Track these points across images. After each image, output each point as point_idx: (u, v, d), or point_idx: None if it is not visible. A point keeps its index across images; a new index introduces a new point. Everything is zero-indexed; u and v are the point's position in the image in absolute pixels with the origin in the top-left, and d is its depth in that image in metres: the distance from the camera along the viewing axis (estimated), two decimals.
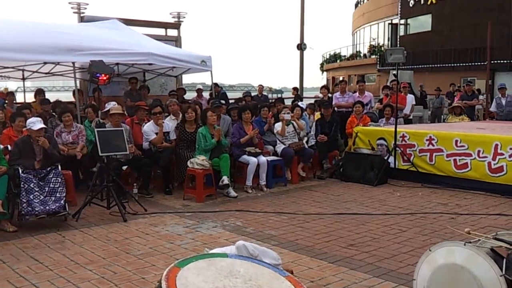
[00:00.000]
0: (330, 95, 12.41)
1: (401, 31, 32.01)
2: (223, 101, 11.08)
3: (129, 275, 4.50)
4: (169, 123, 8.30)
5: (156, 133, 7.93)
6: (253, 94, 15.98)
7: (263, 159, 8.19)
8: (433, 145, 8.47)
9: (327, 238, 5.60)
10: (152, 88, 12.01)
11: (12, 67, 10.77)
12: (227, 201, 7.40)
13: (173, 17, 13.28)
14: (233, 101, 13.07)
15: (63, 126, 7.82)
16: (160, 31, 13.12)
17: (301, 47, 20.30)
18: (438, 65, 27.26)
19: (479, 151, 7.90)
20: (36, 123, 6.39)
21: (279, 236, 5.68)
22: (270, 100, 14.63)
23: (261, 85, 18.03)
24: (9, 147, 6.75)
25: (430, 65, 27.50)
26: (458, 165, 8.13)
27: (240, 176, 8.34)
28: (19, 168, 6.12)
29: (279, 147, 8.81)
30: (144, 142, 8.00)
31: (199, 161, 7.54)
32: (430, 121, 15.92)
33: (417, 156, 8.68)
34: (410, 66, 22.33)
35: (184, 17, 13.28)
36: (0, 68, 10.55)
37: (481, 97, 17.12)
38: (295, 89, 18.19)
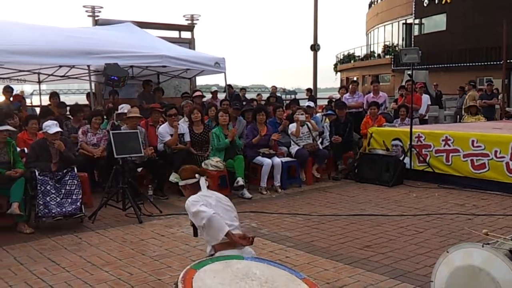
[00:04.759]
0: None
1: (416, 31, 31.78)
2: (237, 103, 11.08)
3: (145, 276, 4.51)
4: (184, 125, 8.32)
5: (171, 135, 7.97)
6: (266, 95, 15.98)
7: (277, 160, 8.18)
8: (449, 146, 8.39)
9: (342, 240, 5.57)
10: (166, 90, 12.06)
11: (28, 71, 10.91)
12: (241, 202, 7.39)
13: (187, 20, 13.33)
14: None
15: (89, 127, 7.91)
16: (174, 34, 13.17)
17: (315, 47, 20.23)
18: (453, 65, 27.01)
19: (496, 152, 7.80)
20: (51, 127, 6.45)
21: (294, 238, 5.66)
22: (284, 102, 14.64)
23: (274, 86, 18.03)
24: (26, 150, 6.83)
25: (445, 65, 27.25)
26: (476, 166, 8.04)
27: (254, 177, 8.33)
28: (36, 171, 6.19)
29: (294, 148, 8.79)
30: (159, 144, 8.03)
31: (213, 163, 7.56)
32: (453, 121, 15.72)
33: (433, 156, 8.60)
34: (425, 66, 22.14)
35: (198, 19, 13.33)
36: (16, 72, 10.68)
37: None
38: (308, 90, 18.18)
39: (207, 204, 3.53)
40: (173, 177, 3.81)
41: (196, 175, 3.74)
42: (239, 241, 3.39)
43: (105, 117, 8.83)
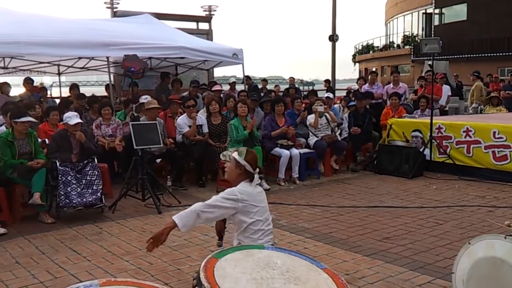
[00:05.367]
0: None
1: (436, 21, 31.35)
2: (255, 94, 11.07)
3: (165, 266, 4.55)
4: (202, 116, 8.34)
5: (190, 126, 7.99)
6: (283, 87, 15.91)
7: (295, 151, 8.15)
8: (470, 137, 8.28)
9: (361, 231, 5.55)
10: (184, 81, 12.08)
11: (48, 62, 11.03)
12: None
13: (204, 11, 13.31)
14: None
15: (102, 119, 7.96)
16: (192, 25, 13.17)
17: (333, 38, 20.05)
18: (474, 55, 26.60)
19: None
20: (72, 118, 6.52)
21: (312, 229, 5.65)
22: (302, 93, 14.57)
23: (292, 77, 17.94)
24: (47, 141, 6.91)
25: (466, 55, 26.85)
26: (497, 157, 7.92)
27: (272, 168, 8.32)
28: (57, 161, 6.26)
29: (312, 140, 8.75)
30: (177, 135, 8.07)
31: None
32: (474, 112, 15.50)
33: (454, 148, 8.50)
34: (445, 57, 21.84)
35: (215, 10, 13.30)
36: (36, 63, 10.81)
37: None
38: (327, 81, 18.07)
39: (245, 203, 3.44)
40: (241, 150, 3.68)
41: (256, 169, 3.62)
42: (157, 234, 3.29)
43: (123, 110, 8.91)
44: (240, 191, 3.47)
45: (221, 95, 10.91)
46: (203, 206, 3.39)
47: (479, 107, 13.75)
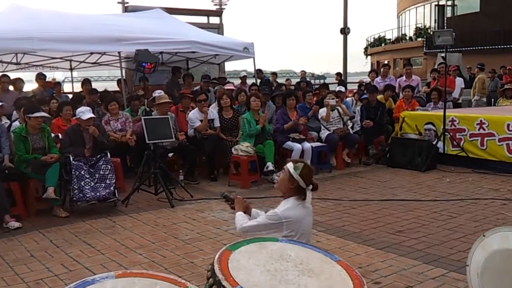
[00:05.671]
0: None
1: (448, 13, 31.04)
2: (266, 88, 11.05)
3: (178, 259, 4.58)
4: (214, 110, 8.35)
5: (201, 120, 8.00)
6: (295, 80, 15.85)
7: (307, 145, 8.13)
8: (484, 130, 8.20)
9: (374, 225, 5.53)
10: (195, 76, 12.10)
11: (60, 58, 11.10)
12: (271, 187, 7.37)
13: (215, 5, 13.34)
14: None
15: (110, 115, 7.99)
16: (203, 19, 13.18)
17: (345, 31, 19.92)
18: (487, 47, 26.31)
19: None
20: (85, 113, 6.56)
21: (325, 222, 5.64)
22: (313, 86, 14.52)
23: (303, 71, 17.88)
24: (60, 136, 6.96)
25: (479, 47, 26.57)
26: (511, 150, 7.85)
27: (284, 162, 8.30)
28: (70, 156, 6.30)
29: (324, 133, 8.73)
30: (189, 129, 8.08)
31: (243, 148, 7.57)
32: (486, 105, 15.38)
33: (468, 141, 8.42)
34: (458, 49, 21.63)
35: (226, 4, 13.33)
36: (49, 59, 10.87)
37: None
38: (338, 74, 17.99)
39: (289, 227, 3.27)
40: (299, 164, 3.37)
41: (310, 186, 3.36)
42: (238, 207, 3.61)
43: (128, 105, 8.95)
44: (285, 216, 3.28)
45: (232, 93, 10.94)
46: (249, 228, 3.40)
47: (480, 99, 13.61)
